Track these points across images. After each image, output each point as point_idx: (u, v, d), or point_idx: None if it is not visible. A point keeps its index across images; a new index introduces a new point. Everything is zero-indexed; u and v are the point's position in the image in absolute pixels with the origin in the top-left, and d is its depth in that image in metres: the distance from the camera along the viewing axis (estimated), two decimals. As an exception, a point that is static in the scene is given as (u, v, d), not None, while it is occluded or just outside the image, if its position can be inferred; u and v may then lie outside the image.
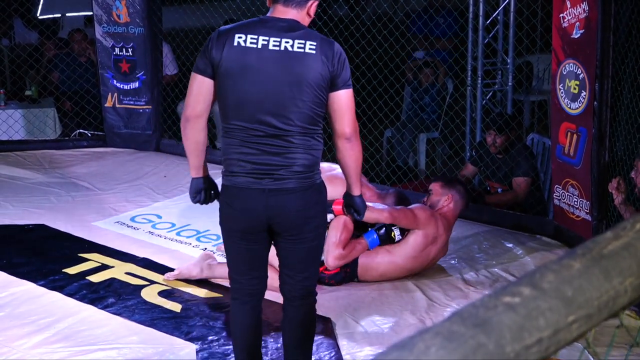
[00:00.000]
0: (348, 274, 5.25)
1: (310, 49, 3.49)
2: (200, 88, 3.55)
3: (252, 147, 3.53)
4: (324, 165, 5.19)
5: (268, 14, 3.62)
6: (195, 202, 3.81)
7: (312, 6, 3.62)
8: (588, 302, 1.02)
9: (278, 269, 4.02)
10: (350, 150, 3.63)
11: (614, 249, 1.09)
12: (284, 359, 3.98)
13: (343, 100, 3.57)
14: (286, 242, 3.68)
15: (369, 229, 5.26)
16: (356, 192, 3.82)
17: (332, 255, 5.08)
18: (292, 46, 3.49)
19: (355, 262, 5.23)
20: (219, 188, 3.74)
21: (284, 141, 3.52)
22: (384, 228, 5.20)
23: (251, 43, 3.49)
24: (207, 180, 3.76)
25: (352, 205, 3.88)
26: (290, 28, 3.53)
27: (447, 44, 8.58)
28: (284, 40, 3.50)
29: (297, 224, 3.61)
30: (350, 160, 3.66)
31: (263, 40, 3.50)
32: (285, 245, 3.70)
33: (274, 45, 3.49)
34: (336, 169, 5.25)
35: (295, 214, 3.58)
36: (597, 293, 1.04)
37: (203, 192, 3.75)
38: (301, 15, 3.59)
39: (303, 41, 3.50)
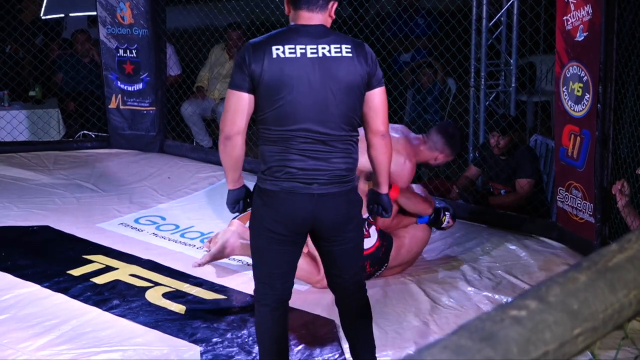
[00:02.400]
0: (384, 253, 5.30)
1: (346, 52, 3.59)
2: (239, 104, 3.57)
3: (298, 154, 3.58)
4: None
5: (292, 22, 3.67)
6: (233, 212, 3.85)
7: (333, 7, 3.68)
8: (593, 315, 1.03)
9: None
10: (385, 147, 3.75)
11: (618, 262, 1.10)
12: (349, 348, 4.05)
13: (378, 98, 3.68)
14: (331, 245, 3.76)
15: None
16: (384, 189, 3.90)
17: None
18: (329, 51, 3.57)
19: (391, 241, 5.34)
20: (249, 191, 3.82)
21: (328, 146, 3.60)
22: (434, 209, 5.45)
23: (290, 53, 3.54)
24: (244, 189, 3.79)
25: (381, 203, 3.94)
26: (321, 34, 3.61)
27: (427, 43, 8.62)
28: (320, 46, 3.57)
29: (340, 226, 3.71)
30: (384, 156, 3.78)
31: (300, 49, 3.55)
32: (331, 249, 3.78)
33: (311, 53, 3.56)
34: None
35: (340, 217, 3.69)
36: (603, 306, 1.05)
37: (241, 201, 3.79)
38: (324, 18, 3.66)
39: (338, 45, 3.59)
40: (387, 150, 3.77)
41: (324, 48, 3.57)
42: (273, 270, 3.76)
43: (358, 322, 3.95)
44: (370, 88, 3.64)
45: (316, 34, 3.59)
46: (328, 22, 3.68)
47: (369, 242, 5.19)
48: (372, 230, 5.26)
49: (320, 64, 3.55)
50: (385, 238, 5.32)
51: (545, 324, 0.98)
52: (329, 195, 3.63)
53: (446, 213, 5.46)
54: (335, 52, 3.57)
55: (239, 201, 3.78)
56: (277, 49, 3.54)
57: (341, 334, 4.67)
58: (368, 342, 3.98)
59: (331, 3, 3.65)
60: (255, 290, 3.84)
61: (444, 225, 5.48)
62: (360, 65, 3.59)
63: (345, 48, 3.58)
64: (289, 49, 3.54)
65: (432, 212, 5.43)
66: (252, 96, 3.56)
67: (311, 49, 3.56)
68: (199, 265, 5.49)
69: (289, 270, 3.80)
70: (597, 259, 1.09)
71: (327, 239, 3.75)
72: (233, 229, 5.53)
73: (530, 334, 0.97)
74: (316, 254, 4.73)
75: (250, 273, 5.26)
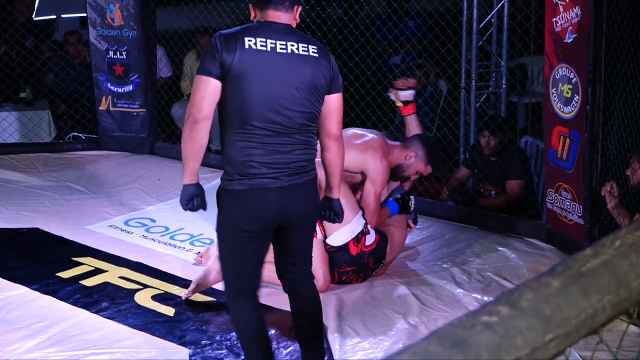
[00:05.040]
0: (383, 249, 5.36)
1: (313, 52, 3.70)
2: (207, 90, 3.60)
3: (264, 148, 3.64)
4: (356, 131, 5.51)
5: (260, 19, 3.72)
6: (187, 209, 3.79)
7: (298, 11, 3.78)
8: (566, 321, 1.03)
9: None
10: (338, 149, 3.85)
11: (592, 267, 1.10)
12: (299, 342, 4.07)
13: (336, 102, 3.80)
14: (296, 235, 3.86)
15: (389, 199, 5.55)
16: (336, 194, 3.98)
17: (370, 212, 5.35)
18: (297, 49, 3.67)
19: (386, 237, 5.38)
20: (212, 193, 3.82)
21: (291, 139, 3.67)
22: (399, 195, 5.51)
23: (261, 46, 3.61)
24: (200, 187, 3.77)
25: (333, 209, 3.99)
26: (289, 32, 3.70)
27: (416, 45, 8.62)
28: (289, 43, 3.66)
29: (308, 216, 3.83)
30: (337, 159, 3.86)
31: (271, 43, 3.63)
32: (294, 239, 3.87)
33: (281, 48, 3.64)
34: (367, 135, 5.47)
35: (308, 208, 3.81)
36: (576, 311, 1.05)
37: (196, 198, 3.76)
38: (290, 20, 3.74)
39: (306, 45, 3.70)
40: (341, 153, 3.86)
41: (292, 45, 3.66)
42: (245, 269, 3.81)
43: (309, 312, 4.03)
44: (330, 92, 3.75)
45: (284, 32, 3.68)
46: (294, 25, 3.77)
47: (370, 239, 5.28)
48: (370, 227, 5.30)
49: (288, 59, 3.64)
50: (381, 234, 5.35)
51: (517, 330, 0.98)
52: (296, 187, 3.72)
53: (410, 197, 5.57)
54: (303, 51, 3.67)
55: (193, 198, 3.75)
56: (250, 40, 3.61)
57: (330, 335, 4.67)
58: (318, 332, 4.07)
59: (296, 7, 3.75)
60: (226, 288, 3.88)
61: (413, 207, 5.60)
62: (324, 67, 3.70)
63: (312, 48, 3.70)
64: (261, 41, 3.62)
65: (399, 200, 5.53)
66: (220, 83, 3.60)
67: (280, 44, 3.64)
68: (187, 296, 5.12)
69: (259, 265, 3.86)
70: (571, 264, 1.09)
71: (294, 229, 3.83)
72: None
73: (502, 339, 0.96)
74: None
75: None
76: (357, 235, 5.21)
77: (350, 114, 7.47)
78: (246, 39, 3.60)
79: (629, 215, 5.27)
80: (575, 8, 5.48)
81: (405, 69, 8.41)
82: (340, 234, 5.17)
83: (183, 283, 5.33)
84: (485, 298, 5.17)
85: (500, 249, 6.00)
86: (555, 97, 5.77)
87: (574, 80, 5.57)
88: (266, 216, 3.70)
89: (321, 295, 5.12)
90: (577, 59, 5.54)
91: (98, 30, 8.24)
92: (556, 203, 5.92)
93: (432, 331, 0.96)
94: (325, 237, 5.22)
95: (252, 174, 3.64)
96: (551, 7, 5.72)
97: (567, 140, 5.71)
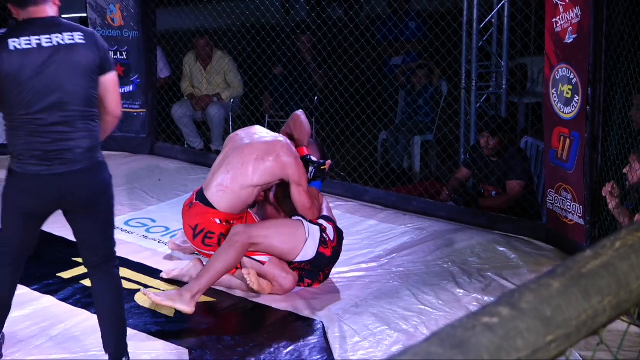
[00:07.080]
0: (339, 229, 5.42)
1: (79, 39, 3.91)
2: None
3: (40, 136, 3.87)
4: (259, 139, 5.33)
5: (24, 17, 3.94)
6: None
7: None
8: (567, 322, 1.03)
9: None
10: (114, 126, 4.24)
11: (593, 268, 1.10)
12: (101, 327, 4.18)
13: (113, 81, 4.06)
14: (83, 219, 4.06)
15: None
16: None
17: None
18: (63, 39, 3.89)
19: (331, 218, 5.45)
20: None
21: (68, 127, 3.88)
22: (313, 168, 5.34)
23: (26, 44, 3.83)
24: None
25: None
26: (54, 24, 3.92)
27: (417, 45, 8.63)
28: (53, 35, 3.88)
29: (88, 201, 4.00)
30: (108, 133, 4.26)
31: (36, 39, 3.85)
32: (83, 222, 4.08)
33: (47, 42, 3.86)
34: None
35: (85, 193, 3.98)
36: (576, 312, 1.05)
37: None
38: (53, 9, 3.97)
39: (71, 33, 3.91)
40: (113, 128, 4.25)
41: (57, 37, 3.87)
42: (15, 241, 4.08)
43: (109, 296, 4.16)
44: (105, 72, 3.97)
45: (48, 25, 3.89)
46: (55, 10, 3.97)
47: (330, 231, 5.29)
48: (320, 220, 5.30)
49: (57, 51, 3.85)
50: (328, 218, 5.40)
51: (517, 331, 0.98)
52: (71, 174, 3.92)
53: (313, 160, 5.36)
54: (69, 40, 3.88)
55: None
56: (14, 42, 3.83)
57: (330, 335, 4.67)
58: (117, 325, 4.19)
59: None
60: None
61: (326, 166, 5.46)
62: (92, 51, 3.91)
63: (78, 35, 3.91)
64: (25, 41, 3.83)
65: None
66: None
67: (46, 39, 3.85)
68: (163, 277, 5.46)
69: (31, 238, 4.15)
70: (571, 265, 1.09)
71: (79, 214, 4.03)
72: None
73: (502, 341, 0.97)
74: (263, 269, 5.05)
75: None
76: (320, 239, 5.19)
77: (350, 114, 7.48)
78: (10, 41, 3.82)
79: (629, 215, 5.27)
80: (575, 8, 5.49)
81: (406, 70, 8.41)
82: (307, 249, 5.12)
83: (183, 284, 5.33)
84: (486, 298, 5.17)
85: (500, 249, 5.99)
86: (555, 97, 5.77)
87: (574, 81, 5.57)
88: (39, 201, 3.95)
89: (322, 296, 5.16)
90: (577, 60, 5.54)
91: (98, 31, 8.22)
92: (556, 203, 5.92)
93: (433, 332, 0.96)
94: (292, 260, 5.20)
95: (30, 161, 3.87)
96: (551, 8, 5.73)
97: (568, 140, 5.72)
